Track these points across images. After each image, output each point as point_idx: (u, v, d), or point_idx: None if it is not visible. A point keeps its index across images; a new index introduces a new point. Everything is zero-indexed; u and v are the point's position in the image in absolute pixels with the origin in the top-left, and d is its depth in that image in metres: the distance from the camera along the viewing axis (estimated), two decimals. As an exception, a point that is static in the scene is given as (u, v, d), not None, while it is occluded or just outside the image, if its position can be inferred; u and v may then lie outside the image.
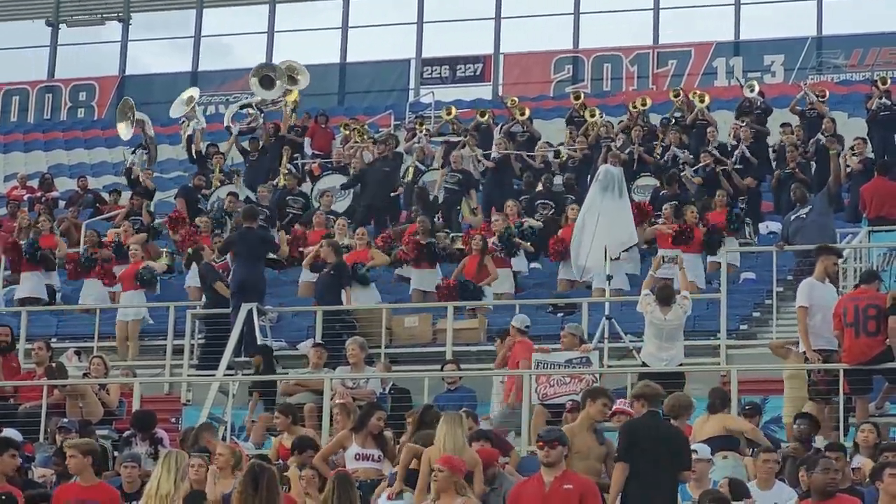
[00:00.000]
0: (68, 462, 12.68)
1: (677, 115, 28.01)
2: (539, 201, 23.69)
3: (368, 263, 20.96)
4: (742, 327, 19.76)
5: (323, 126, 30.09)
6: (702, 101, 27.48)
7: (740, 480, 12.72)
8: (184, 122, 29.30)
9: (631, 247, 20.34)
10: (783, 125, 26.69)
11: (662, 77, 39.25)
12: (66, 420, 16.27)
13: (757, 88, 28.96)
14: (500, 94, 37.19)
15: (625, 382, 16.38)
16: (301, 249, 22.10)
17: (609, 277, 19.17)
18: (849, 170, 23.99)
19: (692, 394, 14.65)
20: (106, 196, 28.99)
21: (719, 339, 18.56)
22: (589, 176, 23.73)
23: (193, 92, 30.03)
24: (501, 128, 28.68)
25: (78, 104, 43.72)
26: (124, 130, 29.79)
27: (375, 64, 42.30)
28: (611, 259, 19.33)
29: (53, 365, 17.81)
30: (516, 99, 30.64)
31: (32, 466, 15.27)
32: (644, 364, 16.75)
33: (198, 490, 12.59)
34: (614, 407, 14.01)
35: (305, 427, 15.80)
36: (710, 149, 24.71)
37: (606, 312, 18.54)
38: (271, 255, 21.67)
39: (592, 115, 28.14)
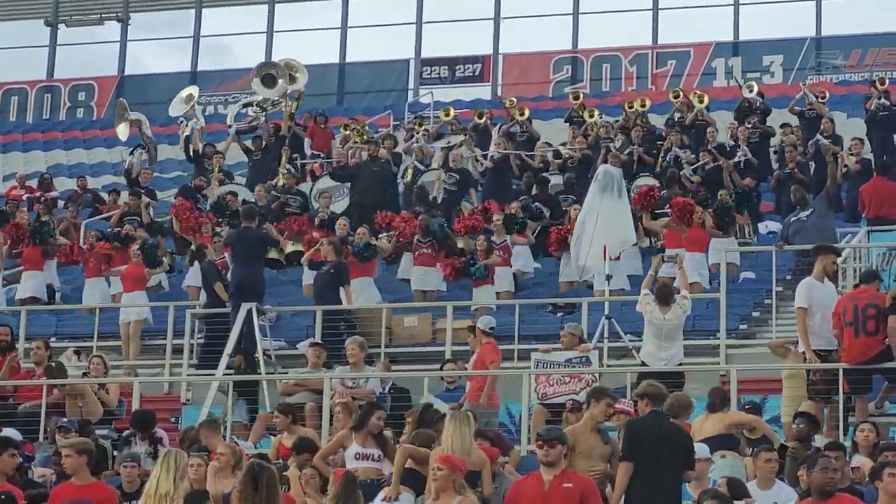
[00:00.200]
0: (63, 461, 12.65)
1: (677, 115, 28.02)
2: (534, 204, 23.71)
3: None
4: (741, 327, 19.76)
5: (323, 126, 30.08)
6: (701, 102, 27.51)
7: (739, 479, 12.71)
8: (182, 122, 29.29)
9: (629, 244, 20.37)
10: (783, 125, 26.72)
11: (661, 77, 39.28)
12: (65, 419, 16.26)
13: (756, 89, 28.97)
14: (500, 94, 37.19)
15: (624, 382, 16.40)
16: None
17: (608, 277, 19.18)
18: (846, 170, 24.01)
19: (692, 393, 14.64)
20: (105, 196, 28.99)
21: (719, 338, 18.56)
22: (589, 176, 23.73)
23: (193, 90, 30.01)
24: (500, 128, 28.69)
25: (77, 104, 43.73)
26: (122, 131, 29.80)
27: (374, 64, 42.31)
28: (610, 259, 19.34)
29: (53, 364, 17.81)
30: (515, 99, 30.65)
31: (32, 466, 15.28)
32: (643, 364, 16.76)
33: (198, 490, 12.59)
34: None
35: (306, 427, 15.82)
36: (710, 147, 24.76)
37: (606, 312, 18.56)
38: (272, 255, 21.71)
39: (591, 116, 28.17)
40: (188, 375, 19.68)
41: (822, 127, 25.91)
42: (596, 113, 28.52)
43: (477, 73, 41.48)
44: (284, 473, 13.48)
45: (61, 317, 22.93)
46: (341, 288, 20.09)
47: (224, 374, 18.94)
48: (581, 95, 31.19)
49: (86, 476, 12.31)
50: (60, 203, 29.38)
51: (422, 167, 26.62)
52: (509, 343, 19.15)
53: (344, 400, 15.84)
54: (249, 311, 19.44)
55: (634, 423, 12.31)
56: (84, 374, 18.08)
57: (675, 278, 18.42)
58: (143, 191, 26.25)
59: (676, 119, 27.73)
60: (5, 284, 23.83)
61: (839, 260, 17.54)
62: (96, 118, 42.46)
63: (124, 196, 27.04)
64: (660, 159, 25.43)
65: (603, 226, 19.15)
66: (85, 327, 21.95)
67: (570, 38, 41.29)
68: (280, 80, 28.43)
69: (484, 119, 29.15)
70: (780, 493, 12.68)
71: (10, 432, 15.15)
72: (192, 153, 28.29)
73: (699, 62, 39.35)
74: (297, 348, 19.88)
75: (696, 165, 24.43)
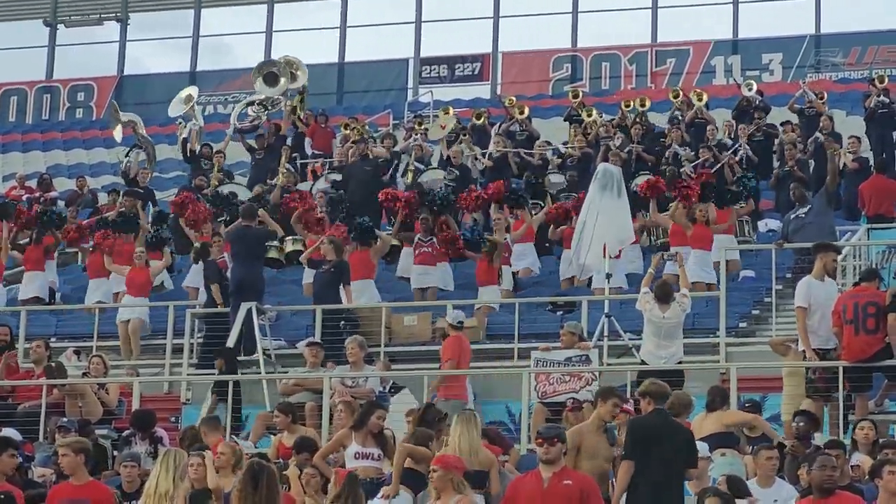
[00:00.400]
0: (60, 461, 12.64)
1: (677, 113, 28.03)
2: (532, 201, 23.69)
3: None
4: (741, 325, 19.73)
5: (323, 126, 30.08)
6: (700, 100, 27.50)
7: (738, 477, 12.71)
8: (181, 122, 29.27)
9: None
10: (783, 123, 26.72)
11: (661, 76, 39.30)
12: (65, 419, 16.26)
13: (755, 87, 28.98)
14: (499, 92, 37.20)
15: (624, 380, 16.40)
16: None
17: (608, 276, 19.17)
18: (843, 167, 23.99)
19: (691, 392, 14.63)
20: (104, 196, 28.96)
21: (718, 336, 18.55)
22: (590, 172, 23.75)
23: (192, 90, 29.95)
24: (500, 126, 28.68)
25: (76, 104, 43.74)
26: (118, 133, 29.82)
27: (374, 63, 42.32)
28: (610, 257, 19.33)
29: (53, 364, 17.81)
30: (514, 98, 30.65)
31: (32, 466, 15.28)
32: (643, 362, 16.75)
33: (200, 489, 12.59)
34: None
35: (306, 426, 15.81)
36: (709, 144, 24.78)
37: (606, 310, 18.55)
38: (272, 254, 21.67)
39: (590, 115, 28.16)
40: (188, 375, 19.68)
41: (821, 125, 25.92)
42: (594, 112, 28.51)
43: (476, 72, 41.49)
44: (284, 473, 13.48)
45: (61, 317, 22.92)
46: (341, 287, 20.08)
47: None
48: (580, 94, 31.18)
49: (83, 475, 12.29)
50: (60, 203, 29.38)
51: (421, 167, 26.61)
52: (509, 342, 19.19)
53: (347, 398, 15.84)
54: (249, 311, 19.44)
55: (637, 421, 12.29)
56: (84, 374, 18.08)
57: (677, 276, 18.43)
58: (142, 191, 26.23)
59: (678, 118, 27.76)
60: (6, 285, 23.82)
61: (839, 258, 17.53)
62: (95, 118, 42.45)
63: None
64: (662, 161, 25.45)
65: (602, 224, 19.14)
66: (85, 327, 21.94)
67: (569, 37, 41.34)
68: (282, 79, 28.42)
69: (482, 119, 29.13)
70: (780, 491, 12.68)
71: (10, 432, 15.16)
72: (188, 153, 28.26)
73: (698, 60, 39.36)
74: (296, 348, 19.88)
75: (695, 163, 24.44)
